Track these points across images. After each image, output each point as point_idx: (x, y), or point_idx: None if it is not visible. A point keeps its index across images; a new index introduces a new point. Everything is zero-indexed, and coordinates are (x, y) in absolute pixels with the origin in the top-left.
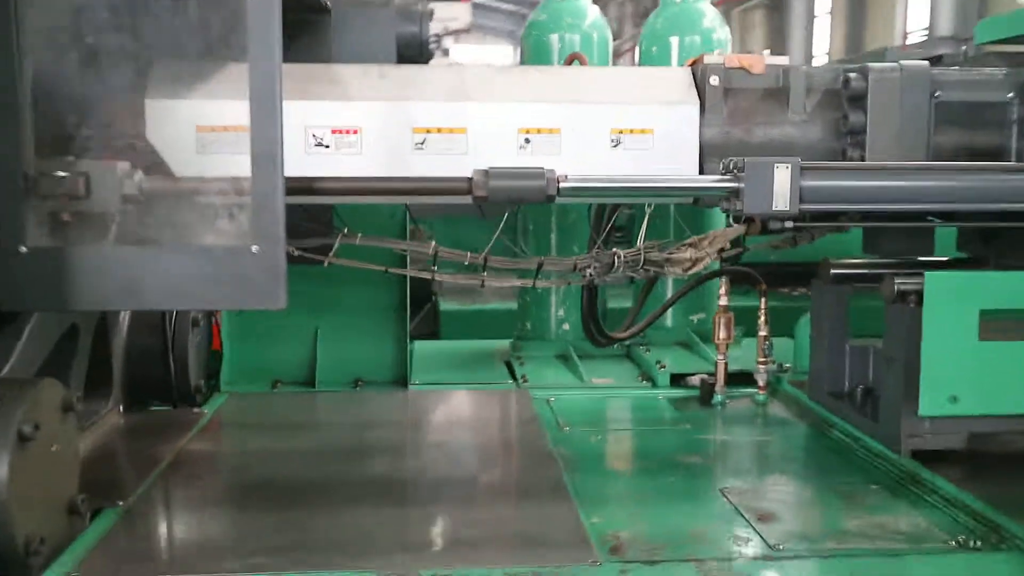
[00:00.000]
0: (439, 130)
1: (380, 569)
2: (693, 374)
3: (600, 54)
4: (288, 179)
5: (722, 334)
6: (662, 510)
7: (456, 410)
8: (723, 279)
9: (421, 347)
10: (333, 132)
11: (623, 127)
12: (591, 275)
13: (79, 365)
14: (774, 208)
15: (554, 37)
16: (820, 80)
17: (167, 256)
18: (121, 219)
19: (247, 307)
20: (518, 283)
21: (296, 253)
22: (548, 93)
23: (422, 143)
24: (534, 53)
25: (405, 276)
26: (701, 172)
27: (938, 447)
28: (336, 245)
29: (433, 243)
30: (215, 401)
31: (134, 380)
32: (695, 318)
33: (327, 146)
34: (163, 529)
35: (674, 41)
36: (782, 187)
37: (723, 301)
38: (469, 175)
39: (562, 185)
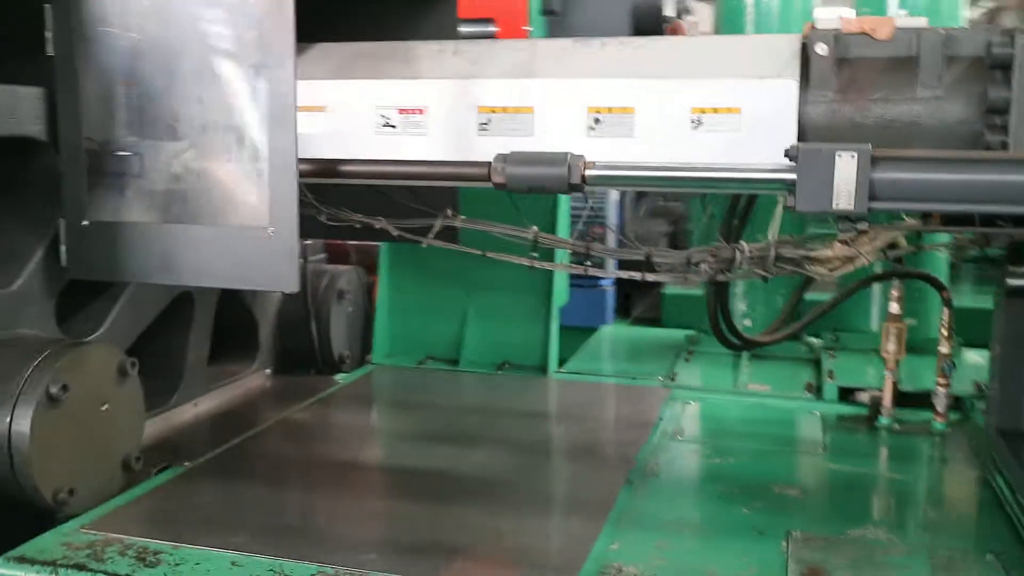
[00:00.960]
0: (504, 109)
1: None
2: (864, 389)
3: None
4: (307, 161)
5: (891, 346)
6: (696, 547)
7: (572, 405)
8: (896, 282)
9: (605, 332)
10: (400, 112)
11: (705, 105)
12: (706, 271)
13: (198, 331)
14: (835, 206)
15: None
16: (966, 46)
17: (195, 234)
18: (168, 197)
19: (263, 288)
20: (624, 275)
21: (396, 233)
22: (623, 68)
23: (487, 124)
24: (726, 17)
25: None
26: None
27: None
28: (436, 227)
29: (534, 228)
30: (357, 372)
31: (284, 347)
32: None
33: (394, 126)
34: (201, 497)
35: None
36: (846, 180)
37: (894, 308)
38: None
39: (588, 173)
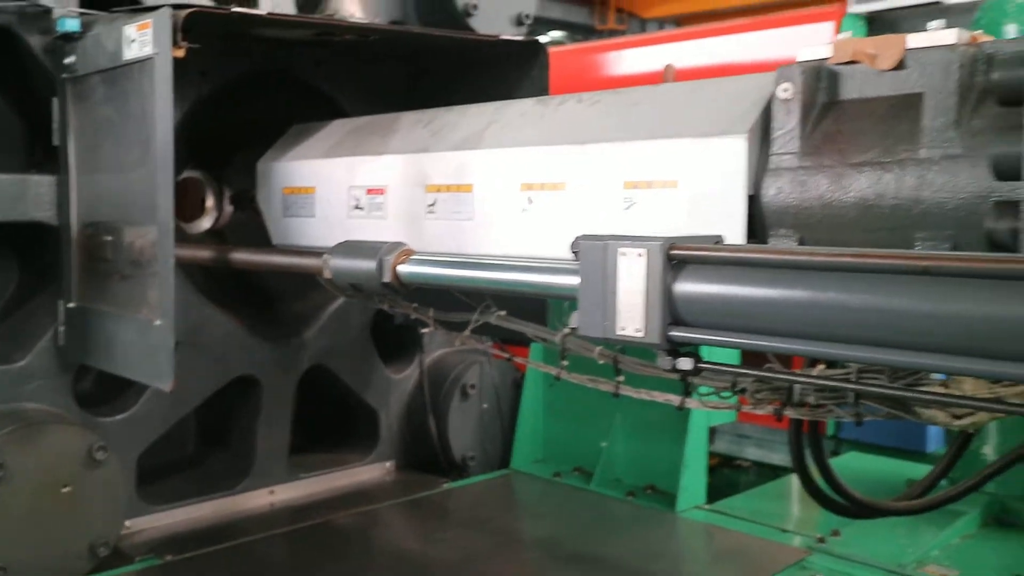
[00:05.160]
0: (448, 188)
1: None
2: None
3: None
4: (200, 249)
5: None
6: None
7: (661, 555)
8: None
9: (850, 459)
10: (368, 192)
11: (639, 179)
12: (753, 402)
13: (271, 418)
14: (620, 331)
15: (1010, 28)
16: (999, 77)
17: (109, 321)
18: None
19: (143, 380)
20: (659, 398)
21: (433, 327)
22: (561, 130)
23: (432, 205)
24: None
25: None
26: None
27: None
28: (474, 321)
29: (565, 331)
30: (479, 477)
31: (406, 442)
32: None
33: (362, 208)
34: None
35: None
36: (631, 292)
37: None
38: (472, 248)
39: (400, 269)
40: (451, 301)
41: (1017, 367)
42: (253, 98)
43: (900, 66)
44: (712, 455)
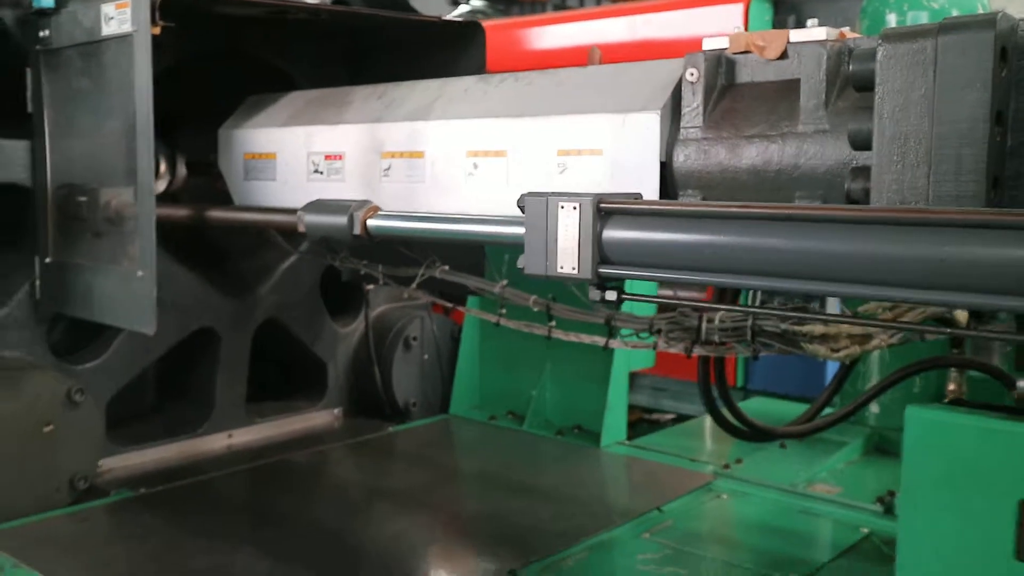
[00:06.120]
0: (402, 155)
1: None
2: None
3: None
4: (175, 208)
5: None
6: None
7: (585, 482)
8: (953, 373)
9: (753, 404)
10: (326, 158)
11: (570, 147)
12: (667, 342)
13: (229, 367)
14: (559, 269)
15: (891, 17)
16: (855, 68)
17: (86, 274)
18: (94, 240)
19: (126, 326)
20: (586, 339)
21: (383, 282)
22: (501, 105)
23: (388, 169)
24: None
25: None
26: None
27: None
28: (420, 275)
29: (503, 283)
30: (420, 421)
31: (354, 390)
32: None
33: (321, 172)
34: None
35: (891, 20)
36: (569, 238)
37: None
38: (425, 207)
39: (369, 223)
40: (397, 259)
41: (862, 288)
42: (207, 71)
43: (783, 56)
44: (632, 409)
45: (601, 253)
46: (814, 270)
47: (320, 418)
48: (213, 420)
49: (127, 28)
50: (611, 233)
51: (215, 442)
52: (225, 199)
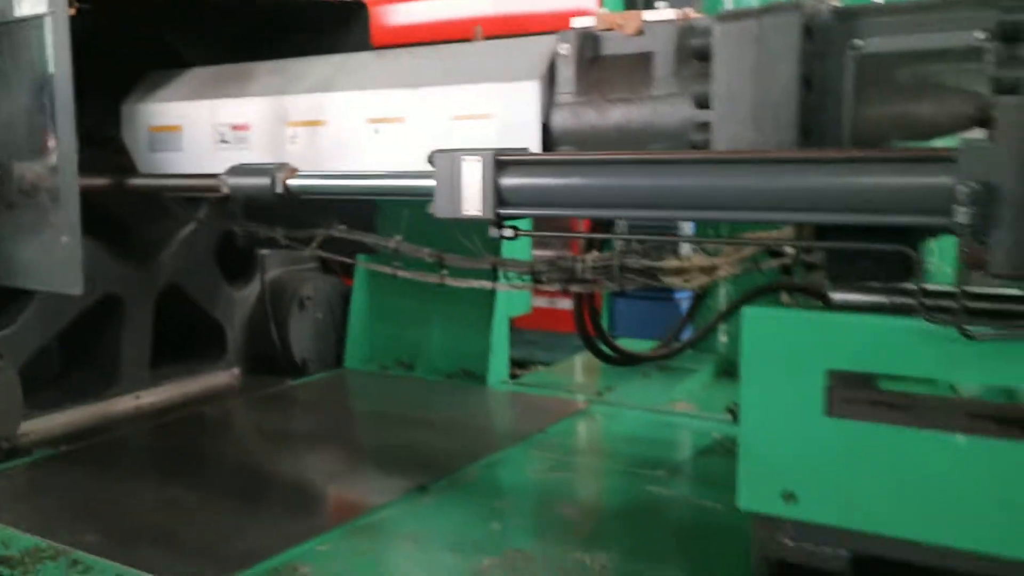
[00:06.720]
0: (306, 124)
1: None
2: None
3: None
4: (98, 177)
5: None
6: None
7: (474, 414)
8: (785, 296)
9: None
10: (233, 128)
11: (462, 113)
12: (546, 282)
13: (134, 331)
14: (465, 212)
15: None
16: (695, 43)
17: (6, 242)
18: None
19: (53, 289)
20: (475, 284)
21: (284, 242)
22: (398, 77)
23: (294, 137)
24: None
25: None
26: None
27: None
28: (319, 237)
29: (397, 238)
30: (317, 376)
31: (251, 350)
32: None
33: (228, 142)
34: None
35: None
36: (472, 186)
37: None
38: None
39: (289, 183)
40: (293, 222)
41: (706, 212)
42: (101, 48)
43: (640, 33)
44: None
45: (499, 197)
46: (669, 201)
47: (221, 378)
48: (121, 383)
49: (41, 9)
50: (507, 180)
51: (124, 403)
52: (120, 171)
